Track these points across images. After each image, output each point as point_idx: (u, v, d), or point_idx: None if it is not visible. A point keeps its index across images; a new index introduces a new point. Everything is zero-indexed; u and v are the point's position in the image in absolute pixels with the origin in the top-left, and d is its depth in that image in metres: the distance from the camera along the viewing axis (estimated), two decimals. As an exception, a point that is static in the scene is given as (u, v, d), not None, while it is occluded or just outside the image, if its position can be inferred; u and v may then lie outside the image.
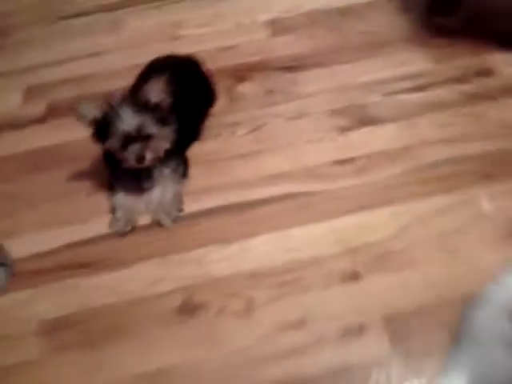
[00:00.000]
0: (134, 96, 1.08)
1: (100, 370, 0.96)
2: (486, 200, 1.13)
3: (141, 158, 1.10)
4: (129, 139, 1.08)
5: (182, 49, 1.42)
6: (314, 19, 1.53)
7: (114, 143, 1.07)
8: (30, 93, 1.41)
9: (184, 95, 1.16)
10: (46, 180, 1.24)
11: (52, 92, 1.40)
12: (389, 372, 0.93)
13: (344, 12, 1.53)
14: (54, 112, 1.36)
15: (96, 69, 1.44)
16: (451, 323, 0.94)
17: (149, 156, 1.10)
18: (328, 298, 1.01)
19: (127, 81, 1.31)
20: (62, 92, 1.39)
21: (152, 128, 1.08)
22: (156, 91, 1.07)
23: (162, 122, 1.10)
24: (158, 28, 1.53)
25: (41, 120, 1.36)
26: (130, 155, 1.08)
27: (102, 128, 1.07)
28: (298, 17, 1.54)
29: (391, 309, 0.99)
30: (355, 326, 0.97)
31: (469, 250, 1.06)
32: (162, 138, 1.11)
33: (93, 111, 1.07)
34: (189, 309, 1.02)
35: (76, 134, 1.25)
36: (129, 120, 1.06)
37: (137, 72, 1.33)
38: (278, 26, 1.52)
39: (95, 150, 1.20)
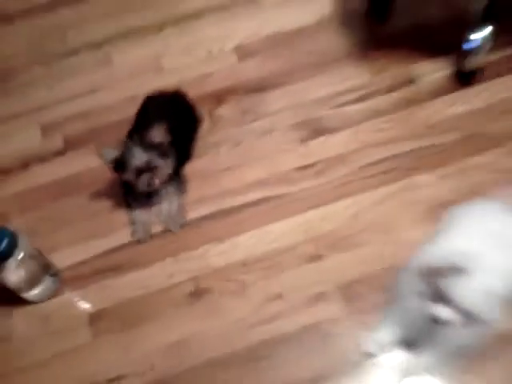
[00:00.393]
0: (142, 138, 1.32)
1: (136, 345, 1.25)
2: (415, 188, 1.40)
3: (150, 184, 1.34)
4: (140, 171, 1.32)
5: (166, 80, 1.63)
6: (272, 43, 1.70)
7: (129, 176, 1.33)
8: (46, 129, 1.60)
9: (178, 126, 1.39)
10: (73, 203, 1.45)
11: (65, 127, 1.59)
12: (342, 325, 1.23)
13: (296, 34, 1.71)
14: (70, 145, 1.55)
15: (97, 103, 1.63)
16: (388, 287, 1.21)
17: (156, 182, 1.34)
18: (299, 275, 1.30)
19: (125, 112, 1.53)
20: (74, 126, 1.59)
21: (157, 161, 1.32)
22: (158, 134, 1.31)
23: (165, 155, 1.33)
24: (142, 61, 1.71)
25: (61, 153, 1.55)
26: (142, 183, 1.34)
27: (120, 164, 1.32)
28: (258, 42, 1.71)
29: (345, 279, 1.28)
30: (319, 294, 1.27)
31: (402, 229, 1.34)
32: (166, 167, 1.34)
33: (112, 153, 1.31)
34: (197, 293, 1.30)
35: (92, 163, 1.48)
36: (139, 157, 1.31)
37: (132, 103, 1.52)
38: (242, 52, 1.69)
39: (110, 175, 1.44)
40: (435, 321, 1.00)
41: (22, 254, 1.18)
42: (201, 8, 1.82)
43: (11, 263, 1.17)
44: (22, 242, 1.18)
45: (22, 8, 1.91)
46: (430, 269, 1.01)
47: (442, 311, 0.99)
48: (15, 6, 1.93)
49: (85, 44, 1.79)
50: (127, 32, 1.79)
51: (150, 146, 1.32)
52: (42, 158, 1.57)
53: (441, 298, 0.99)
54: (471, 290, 0.96)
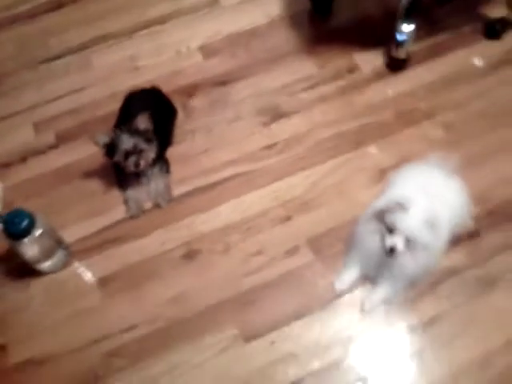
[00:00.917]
0: (129, 126, 1.49)
1: (143, 300, 1.44)
2: (361, 158, 1.63)
3: (137, 165, 1.50)
4: (128, 154, 1.48)
5: (142, 77, 1.80)
6: (232, 41, 1.88)
7: (119, 157, 1.49)
8: (38, 126, 1.73)
9: (157, 117, 1.55)
10: (71, 188, 1.60)
11: (56, 123, 1.73)
12: (314, 271, 1.46)
13: (252, 33, 1.90)
14: (62, 138, 1.70)
15: (84, 101, 1.77)
16: (346, 235, 1.46)
17: (142, 163, 1.50)
18: (273, 234, 1.51)
19: (109, 107, 1.73)
20: (64, 122, 1.73)
21: (142, 145, 1.48)
22: (143, 121, 1.48)
23: (149, 141, 1.50)
24: (119, 62, 1.86)
25: (55, 146, 1.68)
26: (130, 164, 1.50)
27: (111, 148, 1.48)
28: (219, 41, 1.89)
29: (312, 234, 1.50)
30: (292, 247, 1.49)
31: (354, 191, 1.57)
32: (150, 151, 1.51)
33: (103, 138, 1.48)
34: (189, 255, 1.50)
35: (84, 153, 1.66)
36: (127, 142, 1.47)
37: (115, 100, 1.70)
38: (206, 51, 1.87)
39: (101, 161, 1.62)
40: (389, 251, 1.25)
41: (39, 231, 1.35)
42: (166, 13, 2.00)
43: (31, 239, 1.34)
44: (39, 220, 1.35)
45: (5, 17, 2.04)
46: (380, 209, 1.26)
47: (393, 240, 1.24)
48: (-2, 15, 2.03)
49: (66, 49, 1.93)
50: (103, 37, 1.95)
51: (136, 132, 1.49)
52: (37, 152, 1.71)
53: (390, 230, 1.24)
54: (411, 219, 1.22)
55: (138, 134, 1.49)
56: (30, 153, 1.71)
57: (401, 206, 1.24)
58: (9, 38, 2.01)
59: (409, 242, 1.26)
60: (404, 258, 1.29)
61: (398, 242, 1.25)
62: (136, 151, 1.50)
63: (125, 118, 1.60)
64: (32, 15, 2.06)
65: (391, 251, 1.26)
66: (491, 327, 1.37)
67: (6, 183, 1.66)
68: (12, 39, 2.00)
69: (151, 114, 1.52)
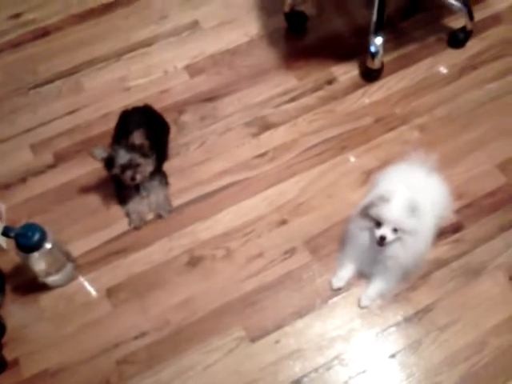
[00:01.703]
0: (125, 142, 1.49)
1: (151, 308, 1.43)
2: (346, 162, 1.66)
3: (133, 179, 1.50)
4: (124, 168, 1.48)
5: (133, 97, 1.80)
6: (215, 60, 1.90)
7: (116, 171, 1.49)
8: (36, 148, 1.72)
9: (153, 132, 1.57)
10: (73, 205, 1.59)
11: (53, 144, 1.72)
12: (312, 270, 1.48)
13: (233, 52, 1.92)
14: (60, 158, 1.69)
15: (78, 122, 1.77)
16: (340, 235, 1.50)
17: (138, 177, 1.50)
18: (271, 237, 1.53)
19: (104, 126, 1.74)
20: (60, 143, 1.72)
21: (138, 160, 1.49)
22: (138, 137, 1.49)
23: (145, 155, 1.50)
24: (109, 84, 1.86)
25: (53, 166, 1.67)
26: (126, 177, 1.49)
27: (109, 162, 1.49)
28: (203, 60, 1.91)
29: (307, 235, 1.53)
30: (290, 249, 1.51)
31: (341, 194, 1.60)
32: (147, 165, 1.51)
33: (100, 152, 1.48)
34: (193, 262, 1.50)
35: (83, 170, 1.66)
36: (123, 156, 1.47)
37: (108, 119, 1.73)
38: (192, 70, 1.88)
39: (100, 177, 1.63)
40: (380, 241, 1.29)
41: (50, 245, 1.33)
42: (150, 36, 2.01)
43: (42, 252, 1.33)
44: (49, 234, 1.33)
45: (-10, 46, 2.02)
46: (365, 205, 1.31)
47: (382, 231, 1.29)
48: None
49: (56, 74, 1.92)
50: (91, 61, 1.95)
51: (132, 148, 1.50)
52: (37, 172, 1.69)
53: (378, 223, 1.29)
54: (394, 208, 1.27)
55: (133, 149, 1.50)
56: (29, 173, 1.70)
57: (383, 199, 1.28)
58: (-5, 67, 1.99)
59: (396, 231, 1.29)
60: (394, 248, 1.33)
61: (386, 231, 1.28)
62: (132, 165, 1.50)
63: (121, 134, 1.60)
64: (17, 44, 2.03)
65: (382, 240, 1.29)
66: (481, 312, 1.41)
67: (7, 203, 1.64)
68: (0, 67, 1.98)
69: (147, 130, 1.53)
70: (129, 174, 1.50)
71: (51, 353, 1.39)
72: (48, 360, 1.38)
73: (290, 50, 1.95)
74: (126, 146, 1.50)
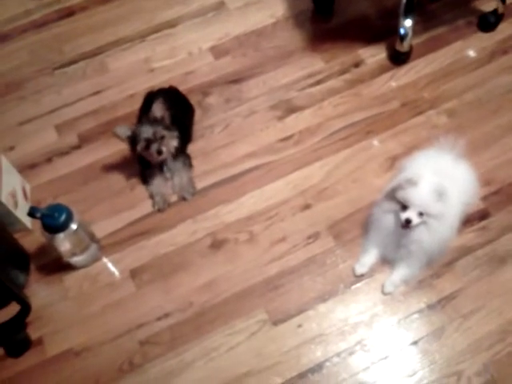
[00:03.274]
0: (147, 118, 1.48)
1: (174, 289, 1.43)
2: (372, 147, 1.63)
3: (159, 152, 1.46)
4: (149, 142, 1.46)
5: (158, 79, 1.79)
6: (240, 42, 1.88)
7: (141, 146, 1.46)
8: (60, 128, 1.71)
9: (177, 113, 1.56)
10: (97, 186, 1.59)
11: (77, 125, 1.71)
12: (335, 255, 1.46)
13: (259, 33, 1.90)
14: (85, 139, 1.68)
15: (102, 103, 1.76)
16: (364, 220, 1.47)
17: (164, 150, 1.47)
18: (295, 221, 1.51)
19: (128, 107, 1.73)
20: (85, 124, 1.71)
21: (162, 132, 1.46)
22: (158, 109, 1.47)
23: (168, 128, 1.48)
24: (134, 65, 1.84)
25: (78, 147, 1.67)
26: (153, 151, 1.47)
27: (133, 140, 1.47)
28: (229, 42, 1.88)
29: (331, 220, 1.50)
30: (313, 233, 1.49)
31: (366, 179, 1.57)
32: (171, 138, 1.49)
33: (125, 131, 1.47)
34: (216, 245, 1.49)
35: (107, 151, 1.65)
36: (146, 130, 1.45)
37: (133, 101, 1.72)
38: (217, 51, 1.86)
39: (124, 158, 1.62)
40: (405, 223, 1.26)
41: (75, 226, 1.33)
42: (175, 17, 1.99)
43: (68, 232, 1.32)
44: (75, 215, 1.33)
45: (16, 26, 2.01)
46: (392, 188, 1.29)
47: (407, 214, 1.26)
48: (10, 25, 2.02)
49: (80, 54, 1.91)
50: (116, 42, 1.93)
51: (154, 121, 1.48)
52: (61, 153, 1.69)
53: (404, 206, 1.26)
54: (421, 192, 1.24)
55: (156, 122, 1.48)
56: (54, 154, 1.69)
57: (410, 182, 1.26)
58: (22, 46, 1.97)
59: (422, 215, 1.27)
60: (419, 232, 1.30)
61: (412, 215, 1.26)
62: (157, 138, 1.47)
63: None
64: (43, 23, 2.03)
65: (407, 223, 1.27)
66: (506, 301, 1.38)
67: (32, 183, 1.64)
68: (25, 47, 1.97)
69: (171, 113, 1.52)
70: (154, 147, 1.47)
71: (75, 332, 1.39)
72: (72, 339, 1.38)
73: (316, 32, 1.92)
74: (148, 120, 1.48)
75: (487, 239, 1.46)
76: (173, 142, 1.51)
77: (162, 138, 1.48)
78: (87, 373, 1.34)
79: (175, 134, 1.52)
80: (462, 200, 1.38)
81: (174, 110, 1.56)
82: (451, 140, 1.44)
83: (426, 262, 1.39)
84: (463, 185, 1.39)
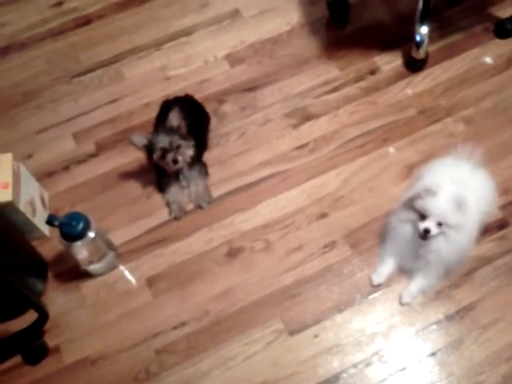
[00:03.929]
0: (164, 127, 1.48)
1: (191, 298, 1.42)
2: (388, 155, 1.62)
3: (175, 161, 1.46)
4: (165, 151, 1.46)
5: (174, 87, 1.79)
6: (255, 50, 1.87)
7: (157, 155, 1.46)
8: (78, 137, 1.72)
9: (193, 121, 1.55)
10: (114, 194, 1.59)
11: (94, 133, 1.71)
12: (352, 264, 1.45)
13: (274, 41, 1.89)
14: (101, 147, 1.68)
15: (119, 111, 1.76)
16: (380, 229, 1.46)
17: (180, 159, 1.46)
18: (311, 230, 1.50)
19: (145, 115, 1.73)
20: (101, 132, 1.72)
21: (178, 141, 1.46)
22: (175, 119, 1.47)
23: (184, 137, 1.48)
24: (149, 73, 1.85)
25: (95, 155, 1.67)
26: (169, 161, 1.47)
27: (149, 148, 1.47)
28: (244, 50, 1.87)
29: (347, 229, 1.49)
30: (330, 242, 1.48)
31: (383, 187, 1.56)
32: (187, 147, 1.49)
33: (141, 140, 1.47)
34: (232, 253, 1.48)
35: (124, 160, 1.65)
36: (163, 140, 1.45)
37: (149, 109, 1.72)
38: (232, 59, 1.85)
39: (141, 167, 1.62)
40: (424, 234, 1.24)
41: (93, 234, 1.33)
42: (191, 25, 1.99)
43: (86, 241, 1.33)
44: (93, 223, 1.33)
45: (34, 34, 2.02)
46: (410, 197, 1.27)
47: (426, 224, 1.24)
48: (27, 33, 2.03)
49: (97, 63, 1.91)
50: (132, 50, 1.93)
51: (170, 130, 1.48)
52: (79, 161, 1.70)
53: (422, 216, 1.25)
54: (440, 202, 1.23)
55: (172, 131, 1.48)
56: (71, 162, 1.70)
57: (429, 191, 1.24)
58: (39, 55, 1.98)
59: (441, 225, 1.25)
60: (438, 242, 1.29)
61: (430, 225, 1.24)
62: (173, 148, 1.47)
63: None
64: (60, 32, 2.03)
65: (426, 233, 1.25)
66: (525, 312, 1.35)
67: (50, 191, 1.65)
68: (43, 56, 1.98)
69: (187, 121, 1.51)
70: (170, 156, 1.47)
71: (92, 340, 1.40)
72: (88, 348, 1.38)
73: (331, 39, 1.90)
74: (164, 129, 1.48)
75: (506, 249, 1.44)
76: (189, 152, 1.51)
77: (178, 147, 1.48)
78: (103, 381, 1.35)
79: (191, 143, 1.52)
80: (481, 209, 1.36)
81: (191, 118, 1.56)
82: (468, 148, 1.43)
83: (444, 273, 1.38)
84: (481, 194, 1.37)
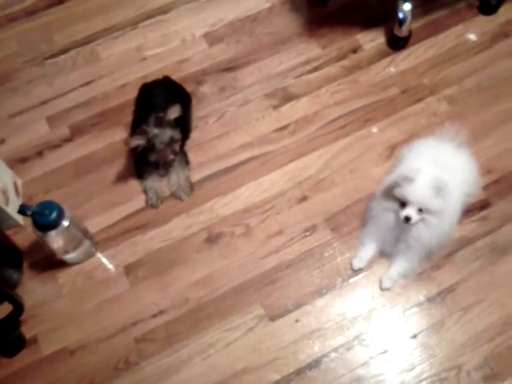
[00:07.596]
0: (157, 119, 1.41)
1: (170, 285, 1.40)
2: (370, 135, 1.59)
3: (175, 153, 1.46)
4: (166, 145, 1.42)
5: (151, 67, 1.75)
6: (234, 28, 1.82)
7: (160, 148, 1.40)
8: (52, 121, 1.67)
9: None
10: (90, 180, 1.55)
11: (69, 117, 1.67)
12: (332, 248, 1.43)
13: (254, 19, 1.84)
14: (76, 131, 1.64)
15: (94, 93, 1.71)
16: (362, 212, 1.45)
17: (177, 149, 1.45)
18: (291, 214, 1.48)
19: (121, 98, 1.69)
20: (76, 115, 1.67)
21: (176, 135, 1.43)
22: (174, 112, 1.43)
23: (175, 127, 1.42)
24: (125, 54, 1.79)
25: (69, 139, 1.63)
26: (168, 154, 1.45)
27: (147, 146, 1.41)
28: (223, 28, 1.82)
29: (328, 212, 1.47)
30: (310, 226, 1.46)
31: (365, 168, 1.53)
32: (179, 137, 1.46)
33: (138, 142, 1.40)
34: (212, 239, 1.46)
35: (99, 144, 1.61)
36: (163, 135, 1.40)
37: (125, 90, 1.69)
38: (211, 38, 1.80)
39: (117, 152, 1.58)
40: (405, 221, 1.23)
41: (67, 223, 1.30)
42: (168, 2, 1.93)
43: (60, 230, 1.29)
44: (66, 212, 1.30)
45: (4, 15, 1.95)
46: (388, 186, 1.25)
47: (407, 212, 1.23)
48: (-1, 13, 1.95)
49: (71, 43, 1.85)
50: (107, 30, 1.87)
51: (166, 124, 1.43)
52: (53, 146, 1.65)
53: (402, 204, 1.24)
54: (419, 189, 1.21)
55: (167, 124, 1.43)
56: (45, 147, 1.65)
57: (407, 179, 1.22)
58: (11, 36, 1.91)
59: (422, 211, 1.24)
60: (418, 228, 1.27)
61: (411, 212, 1.23)
62: (174, 142, 1.45)
63: (144, 109, 1.53)
64: (32, 12, 1.96)
65: (407, 220, 1.24)
66: (507, 292, 1.36)
67: (24, 178, 1.60)
68: (14, 37, 1.91)
69: (169, 101, 1.47)
70: (169, 150, 1.45)
71: (70, 330, 1.37)
72: (67, 337, 1.36)
73: (312, 16, 1.86)
74: (159, 123, 1.42)
75: (488, 229, 1.43)
76: (180, 143, 1.48)
77: (178, 141, 1.46)
78: (83, 371, 1.33)
79: (179, 133, 1.47)
80: (463, 191, 1.35)
81: (173, 102, 1.49)
82: (451, 128, 1.42)
83: (425, 256, 1.36)
84: (464, 176, 1.36)
